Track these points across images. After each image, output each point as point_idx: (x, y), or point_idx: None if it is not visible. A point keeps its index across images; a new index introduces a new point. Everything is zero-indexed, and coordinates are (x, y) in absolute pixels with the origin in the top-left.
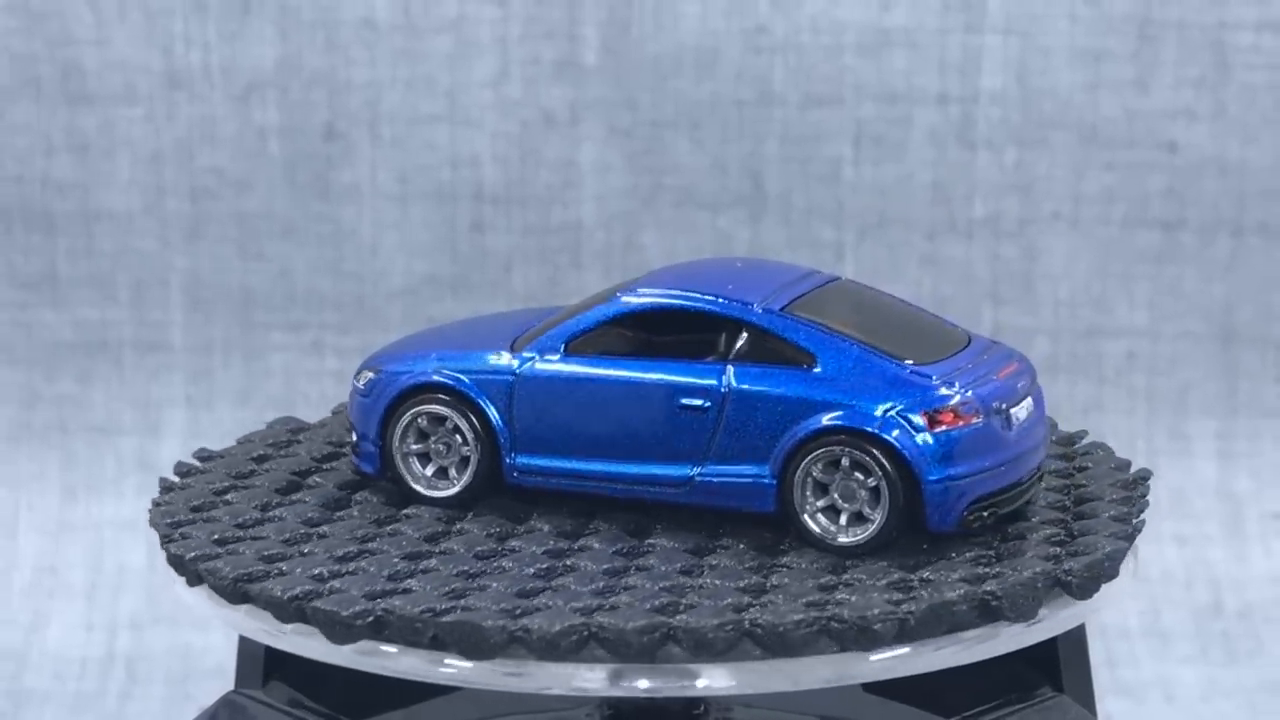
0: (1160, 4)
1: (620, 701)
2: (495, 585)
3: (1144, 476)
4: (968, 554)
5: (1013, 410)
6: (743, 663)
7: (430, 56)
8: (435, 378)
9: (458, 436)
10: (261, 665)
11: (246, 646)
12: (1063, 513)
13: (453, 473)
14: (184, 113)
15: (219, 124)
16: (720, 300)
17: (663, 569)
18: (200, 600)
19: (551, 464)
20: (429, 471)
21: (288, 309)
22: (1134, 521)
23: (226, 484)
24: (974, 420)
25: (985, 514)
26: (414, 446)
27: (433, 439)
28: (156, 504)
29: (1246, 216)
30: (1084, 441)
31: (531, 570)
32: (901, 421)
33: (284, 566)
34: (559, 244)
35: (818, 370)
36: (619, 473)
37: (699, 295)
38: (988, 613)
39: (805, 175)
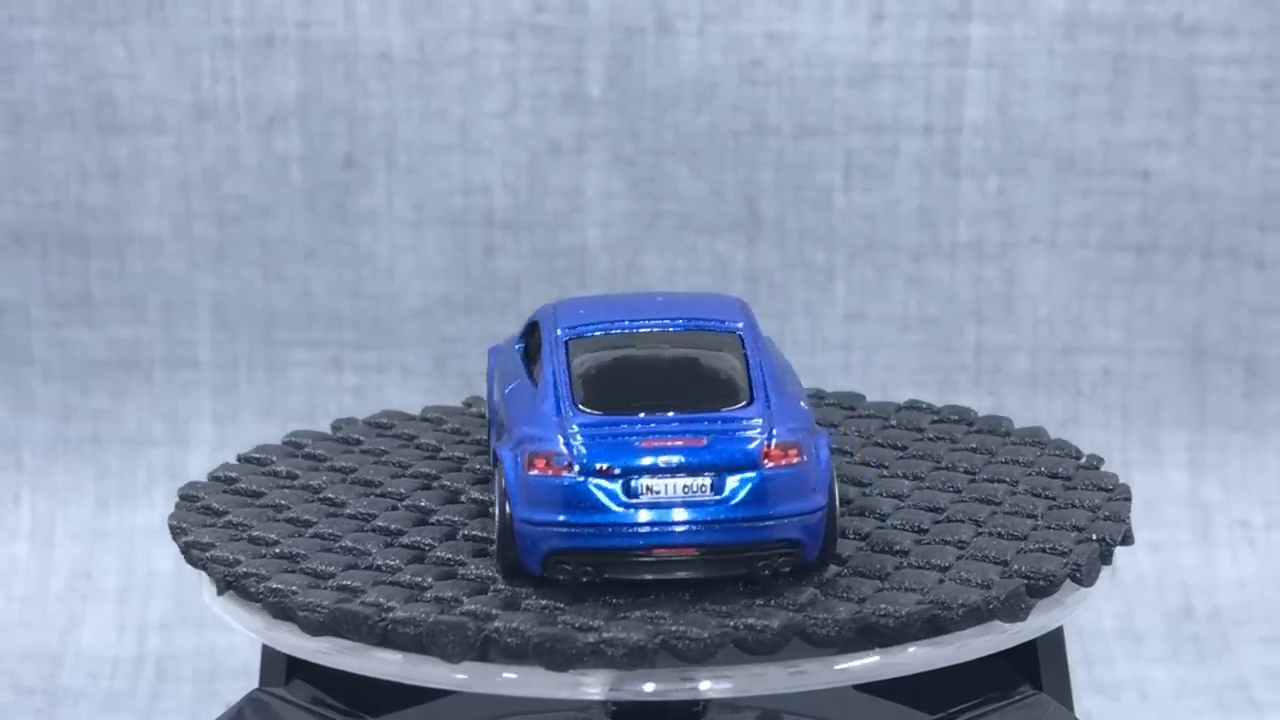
0: (1133, 39)
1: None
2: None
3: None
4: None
5: (643, 481)
6: (741, 665)
7: (444, 89)
8: None
9: None
10: (284, 665)
11: (270, 647)
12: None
13: None
14: (211, 142)
15: (244, 153)
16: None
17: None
18: (227, 610)
19: None
20: None
21: (308, 328)
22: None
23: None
24: (561, 474)
25: (571, 568)
26: None
27: None
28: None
29: (1215, 240)
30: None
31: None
32: (513, 456)
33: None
34: (565, 266)
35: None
36: None
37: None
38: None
39: (798, 201)
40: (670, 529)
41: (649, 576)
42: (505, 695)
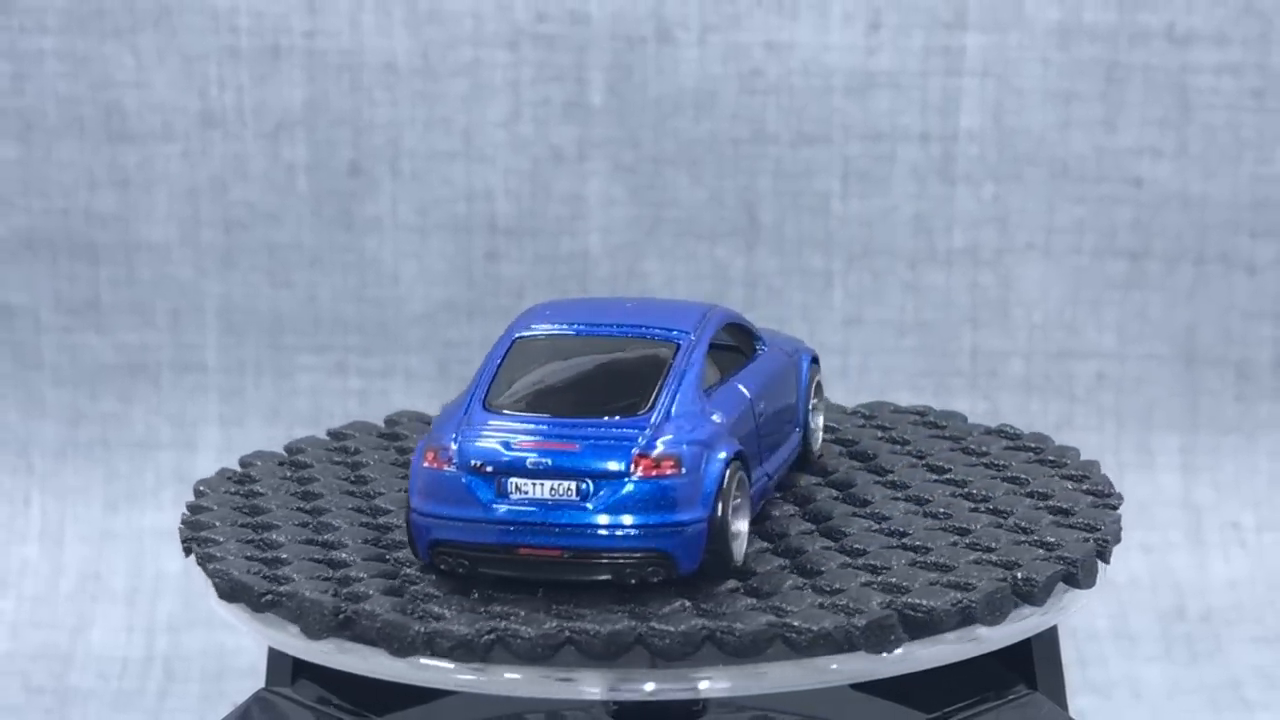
0: (1126, 49)
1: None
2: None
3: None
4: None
5: (514, 480)
6: (739, 665)
7: (447, 98)
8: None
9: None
10: (290, 665)
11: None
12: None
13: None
14: (218, 150)
15: (250, 161)
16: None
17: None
18: (231, 613)
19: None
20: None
21: (314, 333)
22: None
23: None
24: (441, 467)
25: (450, 559)
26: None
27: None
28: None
29: (1207, 247)
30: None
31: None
32: (419, 449)
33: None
34: (568, 272)
35: None
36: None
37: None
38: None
39: (796, 208)
40: (535, 529)
41: (517, 574)
42: (507, 696)
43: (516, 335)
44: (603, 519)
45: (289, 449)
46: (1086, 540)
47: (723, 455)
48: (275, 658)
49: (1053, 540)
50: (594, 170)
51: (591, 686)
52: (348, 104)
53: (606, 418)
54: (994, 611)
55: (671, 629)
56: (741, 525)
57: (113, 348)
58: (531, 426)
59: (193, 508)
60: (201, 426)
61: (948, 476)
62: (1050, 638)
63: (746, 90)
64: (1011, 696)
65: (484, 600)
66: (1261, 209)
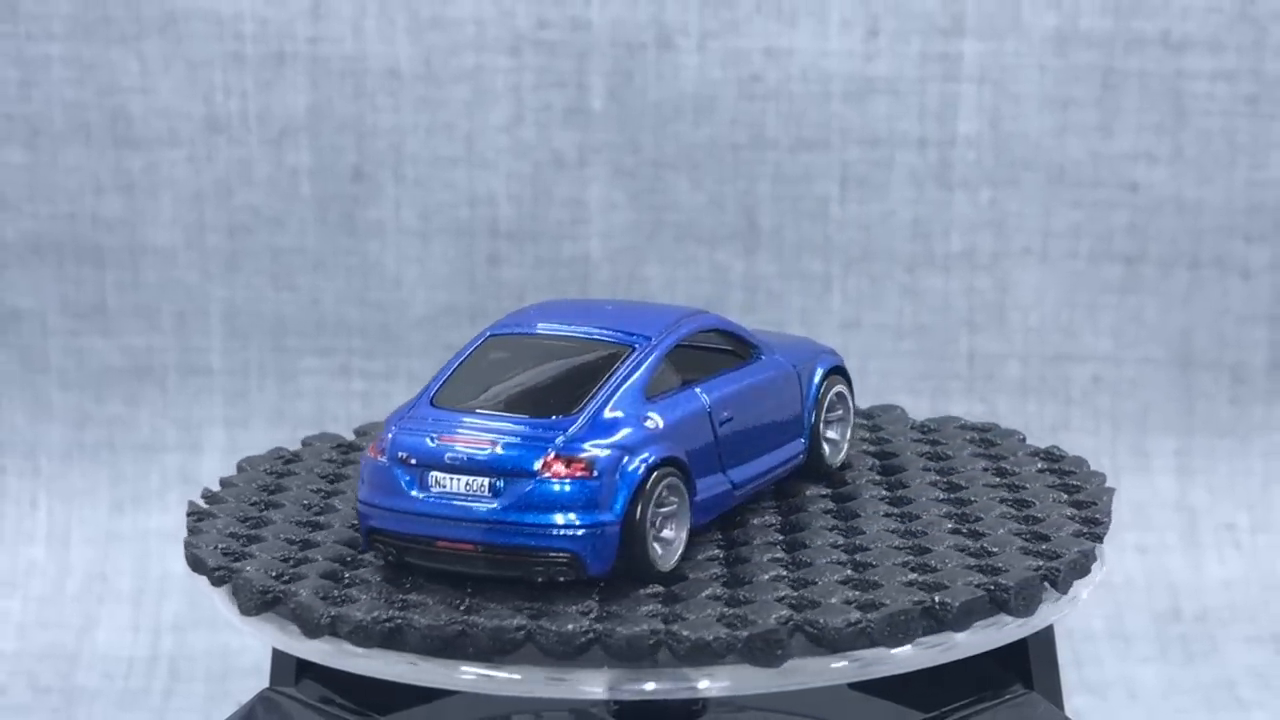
0: (1122, 55)
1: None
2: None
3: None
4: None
5: (433, 473)
6: (737, 665)
7: (449, 104)
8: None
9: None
10: (294, 665)
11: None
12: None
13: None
14: (223, 155)
15: (255, 166)
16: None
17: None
18: (233, 612)
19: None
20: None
21: (318, 336)
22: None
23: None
24: (376, 457)
25: (381, 547)
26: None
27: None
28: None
29: (1202, 251)
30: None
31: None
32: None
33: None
34: (569, 276)
35: None
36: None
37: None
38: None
39: (796, 213)
40: (450, 524)
41: (437, 566)
42: (509, 695)
43: (489, 334)
44: (510, 517)
45: (358, 432)
46: (1038, 569)
47: (646, 460)
48: (279, 658)
49: (1002, 565)
50: (595, 175)
51: (593, 686)
52: (351, 110)
53: (536, 418)
54: (899, 633)
55: (554, 628)
56: (672, 532)
57: (119, 351)
58: (462, 422)
59: (223, 482)
60: (206, 429)
61: (956, 495)
62: (1046, 637)
63: (746, 96)
64: (1008, 696)
65: (402, 590)
66: (1256, 214)
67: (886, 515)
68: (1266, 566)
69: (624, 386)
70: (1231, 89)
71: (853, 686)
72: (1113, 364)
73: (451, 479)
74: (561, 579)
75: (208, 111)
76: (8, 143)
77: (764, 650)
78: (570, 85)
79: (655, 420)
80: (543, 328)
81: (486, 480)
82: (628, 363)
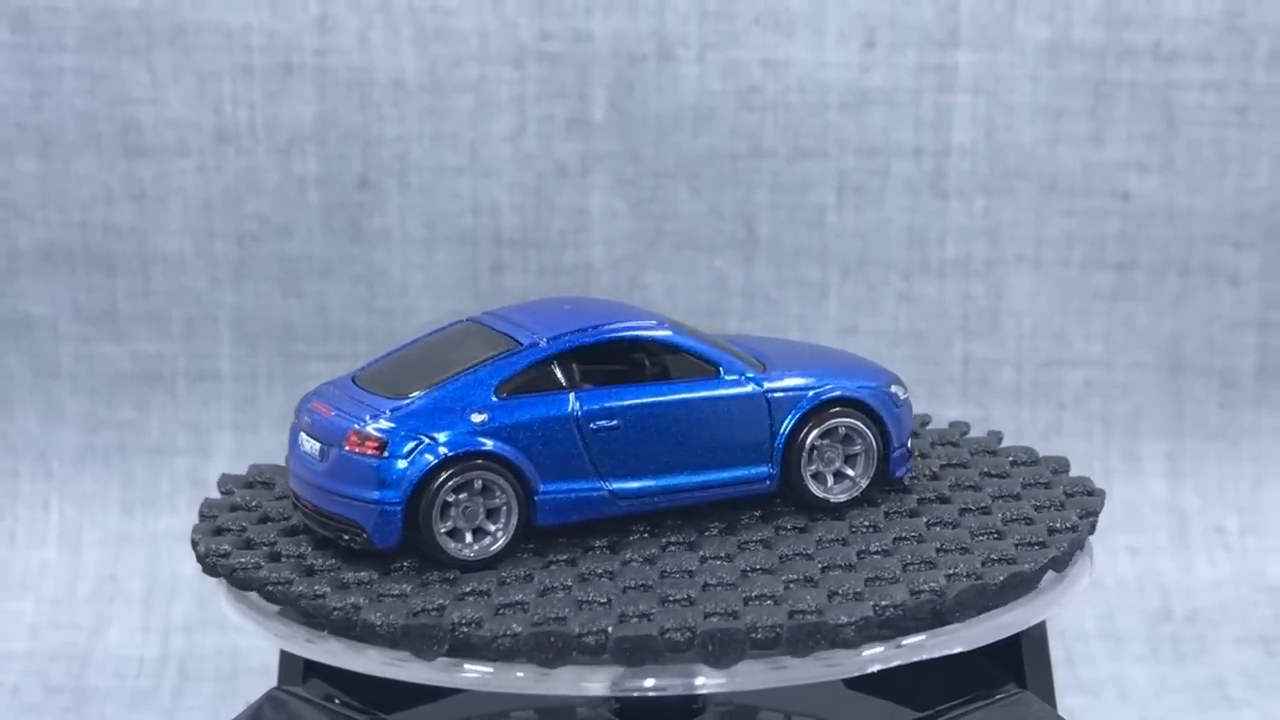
0: (1114, 66)
1: (625, 699)
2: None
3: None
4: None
5: (302, 434)
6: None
7: (454, 114)
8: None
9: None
10: (302, 665)
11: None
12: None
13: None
14: (231, 164)
15: (263, 175)
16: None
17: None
18: (240, 612)
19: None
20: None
21: (325, 342)
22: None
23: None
24: (294, 422)
25: (294, 505)
26: None
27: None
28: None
29: (1193, 258)
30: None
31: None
32: None
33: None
34: (571, 283)
35: None
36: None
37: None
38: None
39: (793, 221)
40: (301, 483)
41: (307, 524)
42: (512, 693)
43: (450, 323)
44: (327, 484)
45: None
46: (929, 600)
47: (443, 451)
48: (287, 658)
49: (885, 601)
50: (596, 184)
51: (596, 683)
52: (357, 120)
53: (388, 397)
54: (725, 656)
55: (335, 605)
56: (472, 524)
57: (129, 357)
58: (337, 394)
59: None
60: (216, 433)
61: (935, 513)
62: (1039, 636)
63: (744, 106)
64: (1001, 695)
65: (339, 570)
66: (1245, 221)
67: (831, 538)
68: (1256, 568)
69: (469, 380)
70: (1221, 99)
71: (848, 684)
72: (1104, 369)
73: (309, 442)
74: (354, 546)
75: (217, 122)
76: (21, 152)
77: (423, 645)
78: (572, 96)
79: (482, 416)
80: (487, 319)
81: (320, 446)
82: (498, 360)
